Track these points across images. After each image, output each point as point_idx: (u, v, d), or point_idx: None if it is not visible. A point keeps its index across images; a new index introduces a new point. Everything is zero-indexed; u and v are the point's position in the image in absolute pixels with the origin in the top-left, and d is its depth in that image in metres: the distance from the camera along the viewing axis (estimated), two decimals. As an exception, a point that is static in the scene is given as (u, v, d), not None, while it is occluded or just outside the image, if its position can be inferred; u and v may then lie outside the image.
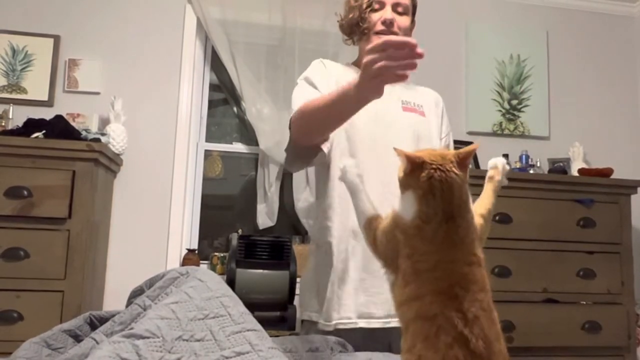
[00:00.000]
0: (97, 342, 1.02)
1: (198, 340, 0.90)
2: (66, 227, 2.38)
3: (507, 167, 1.07)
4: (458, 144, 3.13)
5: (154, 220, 2.96)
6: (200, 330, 0.93)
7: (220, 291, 1.05)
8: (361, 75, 1.10)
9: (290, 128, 1.47)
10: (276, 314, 2.59)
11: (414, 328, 0.80)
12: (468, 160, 0.85)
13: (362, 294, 1.44)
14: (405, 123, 1.54)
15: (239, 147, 3.30)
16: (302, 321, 1.55)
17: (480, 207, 0.96)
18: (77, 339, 1.22)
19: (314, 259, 1.55)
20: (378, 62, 1.04)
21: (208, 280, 1.08)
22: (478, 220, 0.91)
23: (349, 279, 1.45)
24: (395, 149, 0.86)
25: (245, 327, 0.98)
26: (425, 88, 1.71)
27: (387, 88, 1.58)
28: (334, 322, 1.43)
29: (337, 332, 1.42)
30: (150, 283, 1.21)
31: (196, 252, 3.01)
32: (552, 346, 2.68)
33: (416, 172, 0.83)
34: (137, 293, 1.22)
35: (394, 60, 1.03)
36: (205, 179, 3.24)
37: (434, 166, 0.82)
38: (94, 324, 1.26)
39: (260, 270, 2.58)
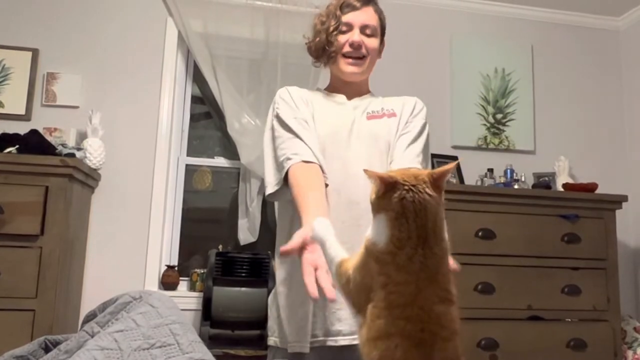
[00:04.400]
0: (40, 372, 0.97)
1: (139, 373, 0.86)
2: (38, 244, 2.33)
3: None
4: (443, 158, 3.14)
5: (132, 236, 2.91)
6: (144, 361, 0.88)
7: (171, 318, 1.00)
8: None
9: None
10: (255, 332, 2.54)
11: None
12: (442, 181, 0.79)
13: (326, 312, 1.39)
14: (368, 131, 1.51)
15: (220, 162, 3.26)
16: (269, 347, 1.50)
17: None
18: (30, 365, 1.17)
19: (276, 280, 1.52)
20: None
21: (159, 306, 1.03)
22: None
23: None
24: (365, 170, 0.81)
25: (193, 357, 0.93)
26: (402, 97, 1.64)
27: (354, 102, 1.57)
28: (298, 343, 1.39)
29: (305, 354, 1.37)
30: (103, 307, 1.16)
31: (175, 268, 2.96)
32: (536, 365, 2.63)
33: (389, 194, 0.78)
34: (89, 318, 1.16)
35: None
36: (194, 192, 3.20)
37: (406, 187, 0.77)
38: (49, 348, 1.21)
39: (238, 288, 2.53)
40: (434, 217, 0.77)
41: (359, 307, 0.83)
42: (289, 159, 1.39)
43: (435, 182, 0.78)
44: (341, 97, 1.59)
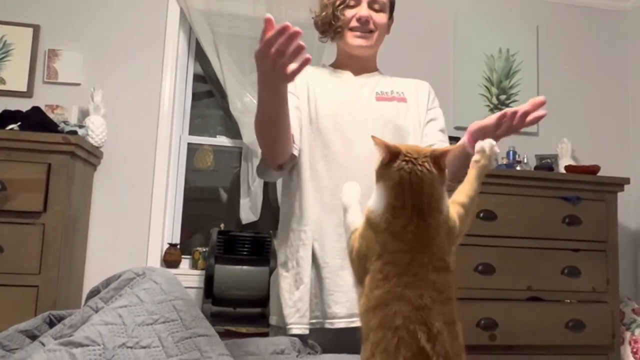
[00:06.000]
0: (44, 346, 0.98)
1: (143, 347, 0.87)
2: (41, 221, 2.34)
3: (497, 150, 1.02)
4: (445, 139, 3.12)
5: (135, 214, 2.92)
6: (148, 336, 0.89)
7: (175, 294, 1.02)
8: (260, 73, 1.11)
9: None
10: (256, 310, 2.56)
11: (374, 338, 0.77)
12: (442, 159, 0.83)
13: (324, 294, 1.40)
14: (377, 114, 1.48)
15: (222, 141, 3.26)
16: (270, 325, 1.52)
17: (461, 194, 0.93)
18: (35, 339, 1.18)
19: (277, 260, 1.52)
20: (263, 56, 1.03)
21: (163, 283, 1.04)
22: (458, 210, 0.87)
23: (311, 279, 1.42)
24: (373, 137, 0.84)
25: (197, 333, 0.94)
26: (411, 79, 1.63)
27: (361, 80, 1.55)
28: (297, 324, 1.40)
29: (304, 335, 1.39)
30: (107, 283, 1.17)
31: (178, 246, 2.98)
32: (535, 344, 2.65)
33: (391, 163, 0.82)
34: (93, 294, 1.18)
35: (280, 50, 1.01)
36: (195, 171, 3.20)
37: (406, 158, 0.81)
38: (54, 323, 1.22)
39: (240, 266, 2.54)
40: (430, 191, 0.80)
41: (359, 277, 0.85)
42: None
43: (436, 159, 0.82)
44: (347, 74, 1.56)
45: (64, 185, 2.38)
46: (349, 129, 1.45)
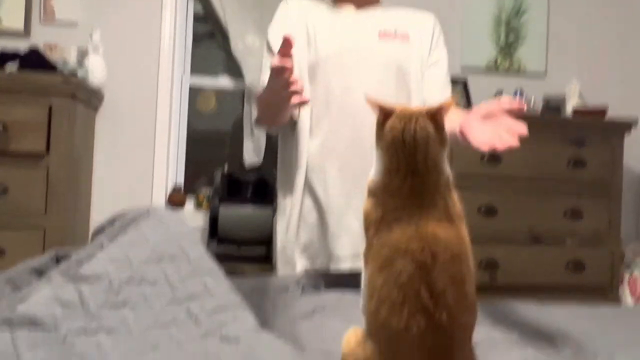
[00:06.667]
0: (51, 282, 1.00)
1: (149, 284, 0.88)
2: (45, 162, 2.33)
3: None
4: (451, 80, 3.06)
5: (138, 156, 2.91)
6: (153, 273, 0.90)
7: (179, 232, 1.02)
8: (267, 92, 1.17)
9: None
10: (260, 249, 2.59)
11: (380, 294, 0.76)
12: (439, 116, 0.79)
13: (329, 237, 1.41)
14: (381, 54, 1.44)
15: (224, 82, 3.21)
16: (274, 266, 1.54)
17: None
18: (43, 276, 1.20)
19: (280, 204, 1.52)
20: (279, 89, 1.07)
21: (168, 221, 1.04)
22: None
23: (315, 223, 1.42)
24: (368, 98, 0.81)
25: (202, 270, 0.95)
26: (416, 12, 1.56)
27: (363, 14, 1.50)
28: (299, 265, 1.42)
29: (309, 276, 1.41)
30: (112, 221, 1.17)
31: (182, 188, 2.99)
32: (535, 285, 2.70)
33: (385, 124, 0.80)
34: (99, 231, 1.19)
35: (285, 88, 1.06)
36: (198, 115, 3.17)
37: (399, 117, 0.78)
38: (60, 261, 1.24)
39: (244, 208, 2.56)
40: (425, 148, 0.77)
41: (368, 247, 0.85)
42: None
43: (433, 116, 0.79)
44: (348, 8, 1.50)
45: (66, 127, 2.36)
46: (352, 71, 1.41)
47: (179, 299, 0.87)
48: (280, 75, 1.02)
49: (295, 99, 1.05)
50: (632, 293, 2.88)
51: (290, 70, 1.01)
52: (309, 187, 1.44)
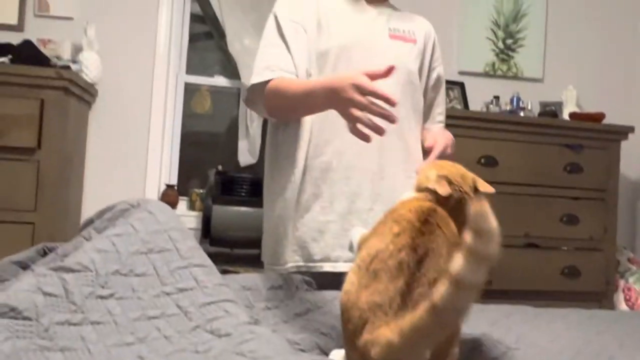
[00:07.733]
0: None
1: (137, 276, 0.84)
2: (36, 157, 2.29)
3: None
4: (448, 84, 3.04)
5: (131, 154, 2.88)
6: (142, 265, 0.87)
7: (170, 224, 0.99)
8: (338, 100, 1.11)
9: (250, 90, 1.43)
10: (253, 251, 2.56)
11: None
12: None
13: (327, 235, 1.37)
14: (391, 54, 1.40)
15: (220, 81, 3.18)
16: (265, 266, 1.49)
17: None
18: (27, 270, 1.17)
19: (271, 197, 1.47)
20: (358, 106, 1.05)
21: (157, 213, 1.01)
22: None
23: (314, 220, 1.38)
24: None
25: (193, 263, 0.92)
26: (418, 17, 1.56)
27: (374, 10, 1.47)
28: (292, 264, 1.38)
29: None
30: (101, 214, 1.14)
31: (175, 187, 2.95)
32: (530, 290, 2.67)
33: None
34: (87, 224, 1.15)
35: (373, 111, 1.05)
36: (193, 115, 3.14)
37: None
38: (47, 255, 1.20)
39: (237, 207, 2.53)
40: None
41: None
42: (270, 69, 1.36)
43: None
44: (361, 1, 1.45)
45: (58, 122, 2.32)
46: (360, 67, 1.38)
47: (168, 292, 0.84)
48: (370, 95, 1.03)
49: (364, 127, 1.05)
50: (627, 301, 2.86)
51: (386, 100, 1.03)
52: (307, 186, 1.39)
